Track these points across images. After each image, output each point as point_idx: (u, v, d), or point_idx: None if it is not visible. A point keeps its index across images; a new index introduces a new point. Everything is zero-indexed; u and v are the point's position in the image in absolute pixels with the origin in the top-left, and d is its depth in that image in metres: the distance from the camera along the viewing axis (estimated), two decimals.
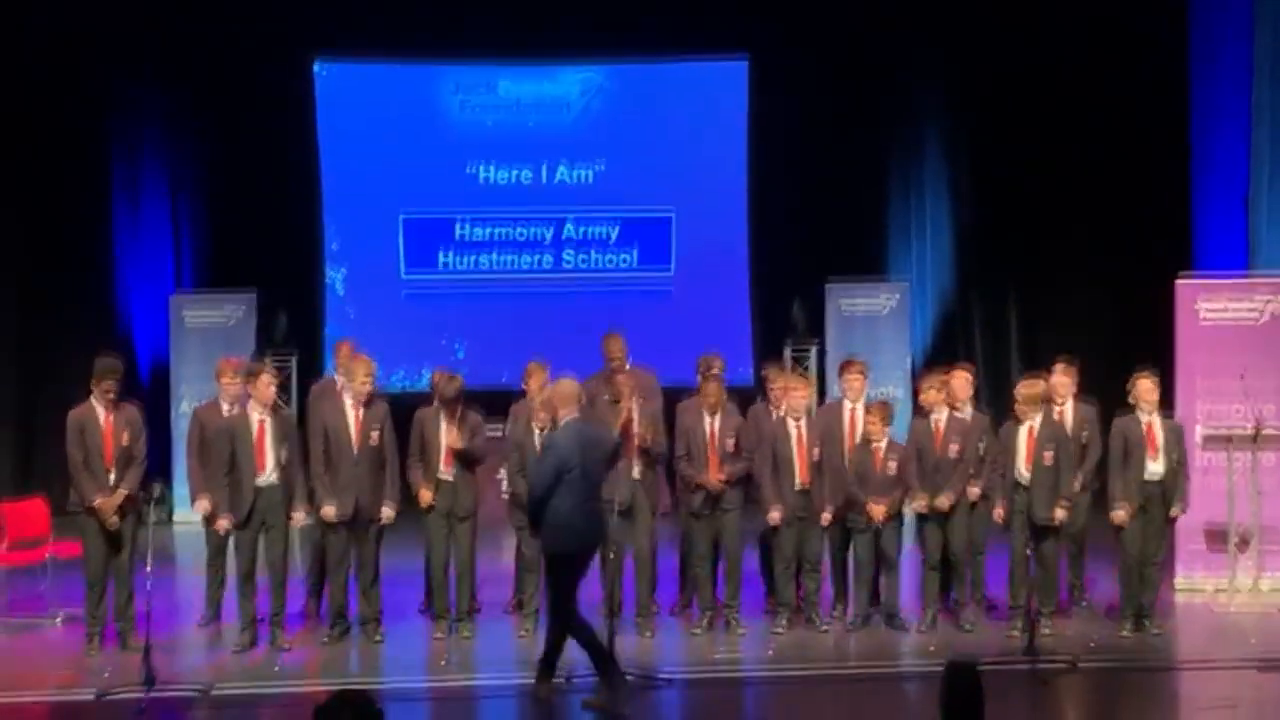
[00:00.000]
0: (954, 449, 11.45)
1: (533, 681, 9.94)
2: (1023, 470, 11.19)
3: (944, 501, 11.36)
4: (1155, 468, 11.42)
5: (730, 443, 11.51)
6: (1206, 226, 16.42)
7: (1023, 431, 11.25)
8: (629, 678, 9.91)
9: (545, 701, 9.81)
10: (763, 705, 10.18)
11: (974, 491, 11.46)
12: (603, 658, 9.76)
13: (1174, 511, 11.54)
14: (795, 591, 11.65)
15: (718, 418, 11.56)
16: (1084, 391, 12.17)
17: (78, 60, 17.60)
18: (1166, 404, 12.06)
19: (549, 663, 9.93)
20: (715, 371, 11.87)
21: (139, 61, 18.16)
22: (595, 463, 9.96)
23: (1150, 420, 11.46)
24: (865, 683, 10.29)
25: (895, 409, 12.29)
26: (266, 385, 11.18)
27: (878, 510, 11.35)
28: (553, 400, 10.41)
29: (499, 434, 12.39)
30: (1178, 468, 11.48)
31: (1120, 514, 11.37)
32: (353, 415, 11.27)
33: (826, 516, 11.47)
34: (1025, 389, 11.34)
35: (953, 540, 11.49)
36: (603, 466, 10.07)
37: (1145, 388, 11.46)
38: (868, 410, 11.65)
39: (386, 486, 11.33)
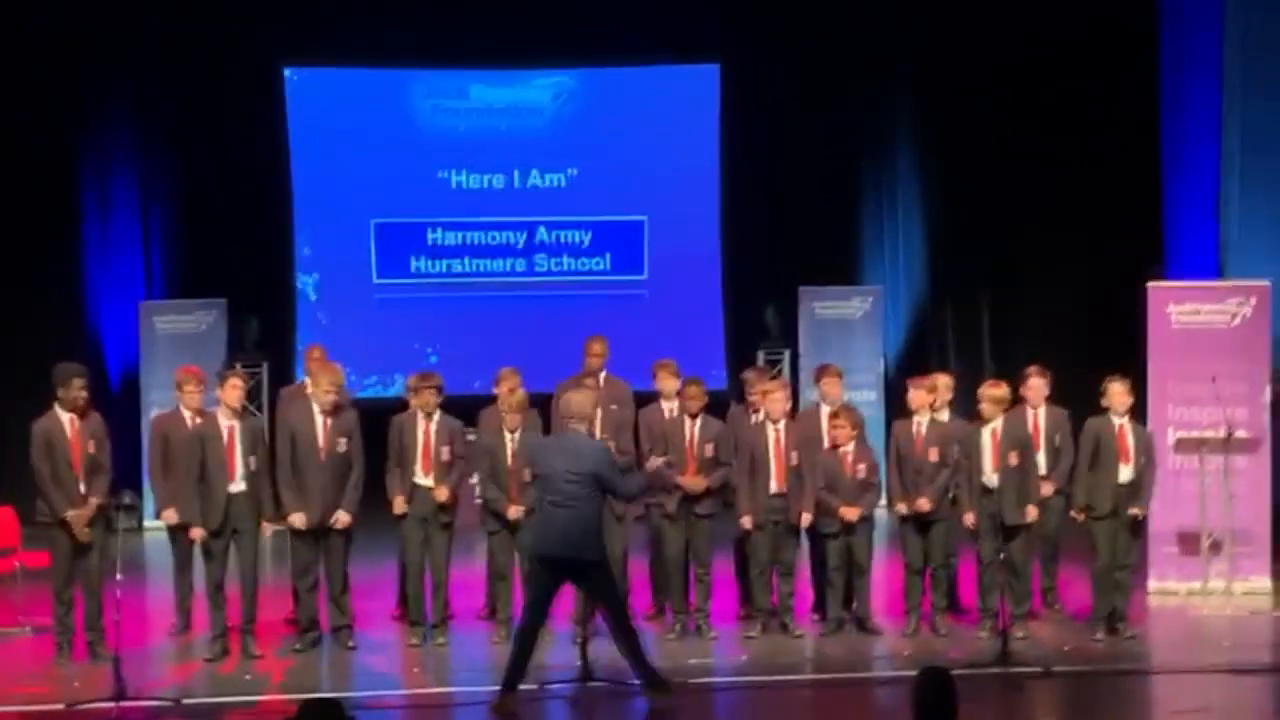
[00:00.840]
0: (934, 453, 11.46)
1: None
2: (989, 473, 11.19)
3: (924, 504, 11.35)
4: (1126, 472, 11.42)
5: (710, 448, 11.49)
6: (1178, 231, 16.45)
7: (986, 434, 11.25)
8: (597, 683, 10.02)
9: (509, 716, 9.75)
10: (736, 711, 10.16)
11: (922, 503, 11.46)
12: (517, 668, 9.77)
13: (1134, 510, 11.50)
14: (769, 597, 11.63)
15: (697, 422, 11.53)
16: (1055, 395, 12.17)
17: (44, 69, 17.51)
18: (1139, 408, 12.09)
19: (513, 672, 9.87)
20: (676, 375, 11.83)
21: (107, 69, 18.08)
22: (565, 472, 9.84)
23: (1123, 424, 11.48)
24: (839, 688, 10.28)
25: (867, 414, 12.34)
26: (233, 389, 11.11)
27: (849, 512, 11.34)
28: (559, 409, 10.60)
29: (471, 438, 12.36)
30: (1144, 470, 11.49)
31: (1081, 514, 11.47)
32: (320, 422, 11.21)
33: (807, 517, 11.45)
34: (989, 390, 11.36)
35: (931, 545, 11.49)
36: (581, 477, 9.80)
37: (1116, 391, 11.48)
38: (834, 415, 11.65)
39: (347, 493, 11.23)
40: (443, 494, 11.37)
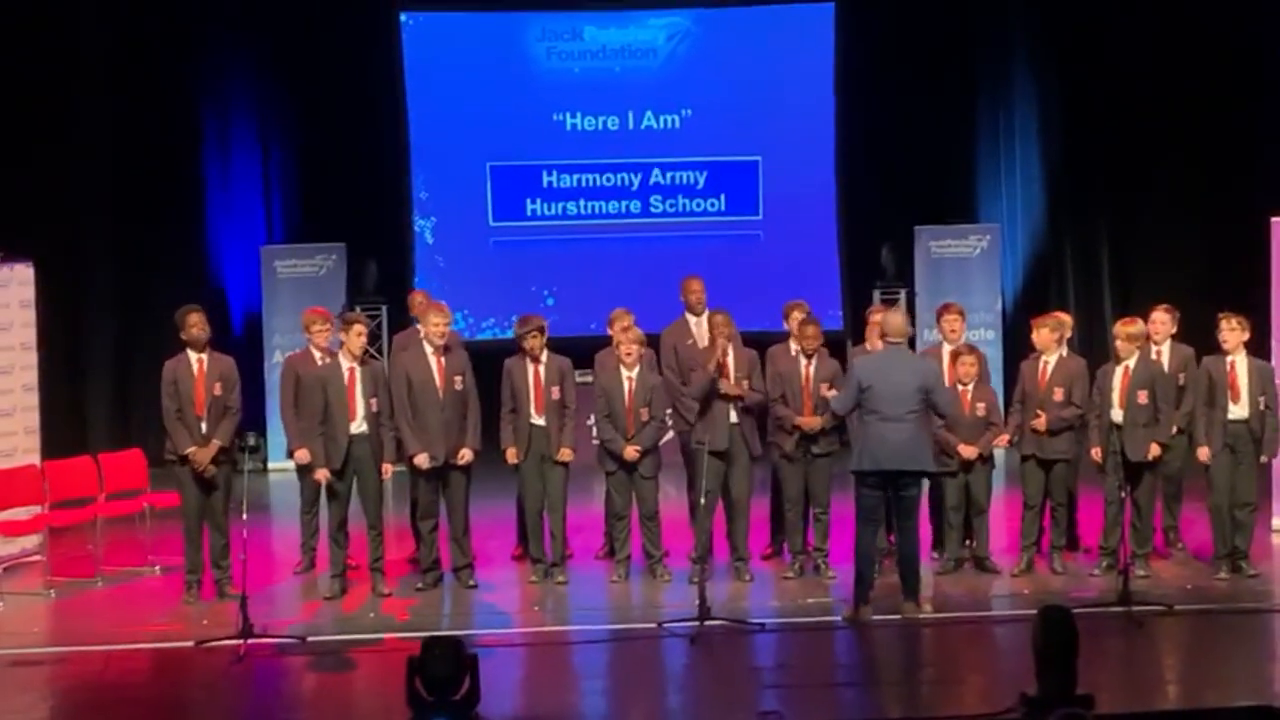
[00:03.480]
0: (1059, 392, 11.37)
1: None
2: (1117, 410, 11.09)
3: (1041, 422, 11.29)
4: (1237, 409, 11.25)
5: (824, 387, 11.47)
6: None
7: (1119, 372, 11.15)
8: (715, 622, 10.02)
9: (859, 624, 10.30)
10: (855, 650, 10.18)
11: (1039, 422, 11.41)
12: (863, 584, 10.34)
13: (1264, 458, 11.41)
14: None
15: (813, 362, 11.52)
16: (1181, 333, 12.01)
17: (165, 15, 17.72)
18: (1263, 344, 11.90)
19: (863, 584, 10.43)
20: (805, 315, 11.81)
21: (226, 15, 18.25)
22: (897, 386, 10.24)
23: (1234, 360, 11.31)
24: (958, 627, 10.26)
25: (986, 353, 12.28)
26: (358, 336, 11.24)
27: (968, 450, 11.29)
28: (881, 327, 10.88)
29: (589, 380, 12.42)
30: (1265, 411, 11.29)
31: (1204, 451, 11.30)
32: (435, 363, 11.31)
33: None
34: (1124, 328, 11.25)
35: (1053, 484, 11.43)
36: (912, 393, 10.26)
37: (1225, 327, 11.31)
38: (960, 353, 11.57)
39: (468, 430, 11.36)
40: (567, 455, 11.48)
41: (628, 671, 9.75)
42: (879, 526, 10.65)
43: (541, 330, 11.51)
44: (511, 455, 11.49)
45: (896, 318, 10.73)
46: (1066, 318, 12.16)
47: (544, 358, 11.49)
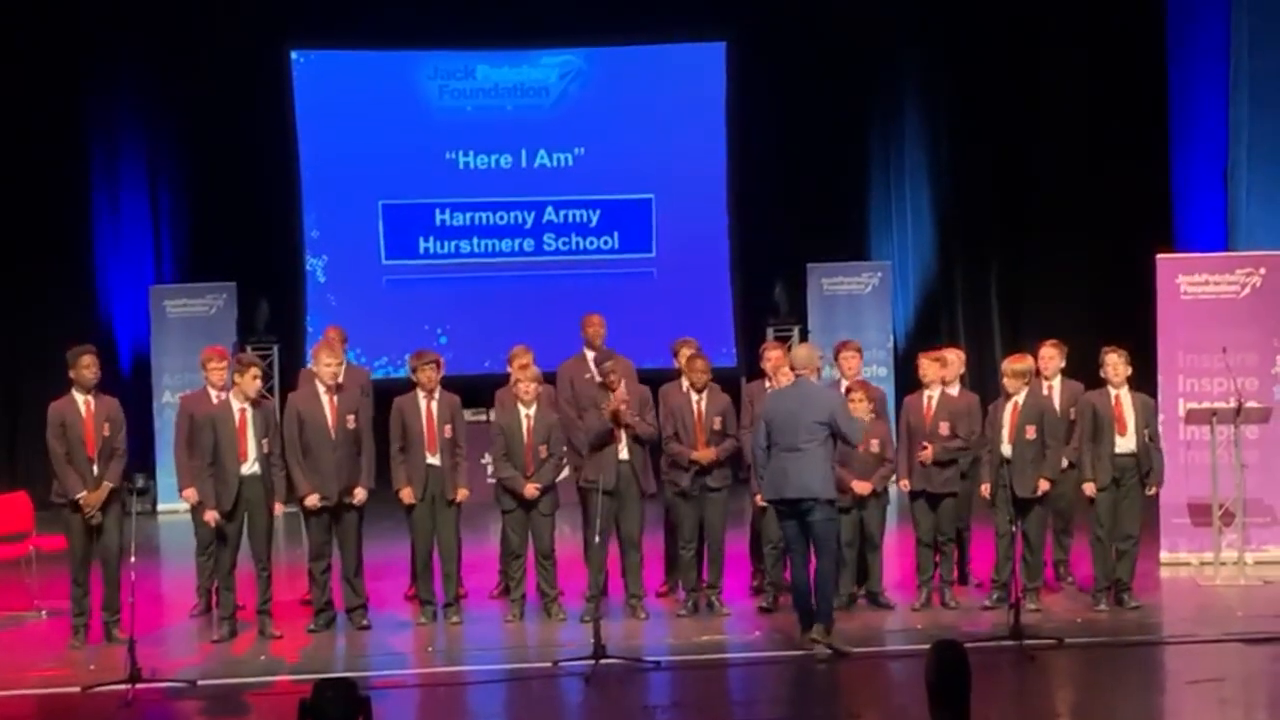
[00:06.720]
0: (944, 427, 11.46)
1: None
2: (1006, 445, 11.20)
3: (927, 455, 11.38)
4: (1124, 443, 11.41)
5: (718, 421, 11.50)
6: (1186, 201, 16.43)
7: (1008, 407, 11.26)
8: (610, 660, 9.96)
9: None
10: (750, 687, 10.17)
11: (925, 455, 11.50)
12: (803, 608, 10.41)
13: (1149, 491, 11.57)
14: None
15: (704, 396, 11.54)
16: (1067, 368, 12.16)
17: (54, 52, 17.54)
18: (1149, 380, 12.06)
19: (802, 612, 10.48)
20: (693, 351, 11.84)
21: (116, 52, 18.11)
22: (791, 417, 10.31)
23: (1119, 394, 11.47)
24: (852, 662, 10.28)
25: (879, 388, 12.36)
26: (253, 379, 11.08)
27: (862, 486, 11.34)
28: (790, 362, 11.02)
29: (483, 419, 12.37)
30: (1150, 444, 11.48)
31: (1090, 486, 11.44)
32: (327, 401, 11.22)
33: None
34: (1011, 364, 11.36)
35: (942, 519, 11.50)
36: (808, 423, 10.28)
37: (1111, 362, 11.47)
38: (851, 389, 11.62)
39: (362, 470, 11.28)
40: (464, 494, 11.43)
41: (523, 711, 9.69)
42: (801, 555, 10.49)
43: (438, 364, 11.46)
44: (408, 495, 11.37)
45: (801, 350, 11.00)
46: (953, 353, 12.16)
47: (437, 394, 11.44)
